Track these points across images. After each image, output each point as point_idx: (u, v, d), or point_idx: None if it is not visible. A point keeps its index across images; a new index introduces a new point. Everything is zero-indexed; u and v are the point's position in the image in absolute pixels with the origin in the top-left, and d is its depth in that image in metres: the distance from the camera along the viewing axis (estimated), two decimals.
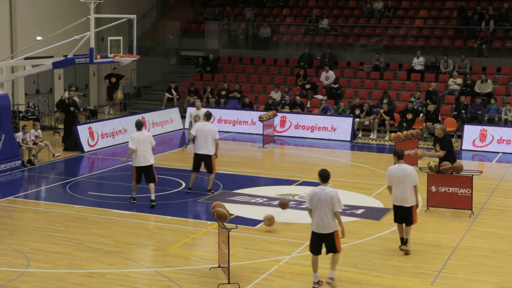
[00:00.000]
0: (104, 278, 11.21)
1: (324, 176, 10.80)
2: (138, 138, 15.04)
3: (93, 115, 26.27)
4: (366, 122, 25.22)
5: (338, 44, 30.92)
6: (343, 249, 12.67)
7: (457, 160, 15.97)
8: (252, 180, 17.55)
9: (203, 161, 16.30)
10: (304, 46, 30.73)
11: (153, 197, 15.34)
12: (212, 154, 16.22)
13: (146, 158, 15.13)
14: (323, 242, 10.85)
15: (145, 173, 15.28)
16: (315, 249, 10.87)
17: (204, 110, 19.07)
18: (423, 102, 25.62)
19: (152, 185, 15.31)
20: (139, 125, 15.32)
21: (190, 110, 19.61)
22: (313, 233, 10.86)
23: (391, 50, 29.99)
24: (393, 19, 31.13)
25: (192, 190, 16.53)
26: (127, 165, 19.65)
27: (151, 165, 15.27)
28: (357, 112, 25.24)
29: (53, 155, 20.29)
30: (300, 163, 20.91)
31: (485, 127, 23.19)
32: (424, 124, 24.29)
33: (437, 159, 15.89)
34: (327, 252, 10.95)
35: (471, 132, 23.16)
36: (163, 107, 27.44)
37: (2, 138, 18.47)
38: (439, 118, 24.67)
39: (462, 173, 15.73)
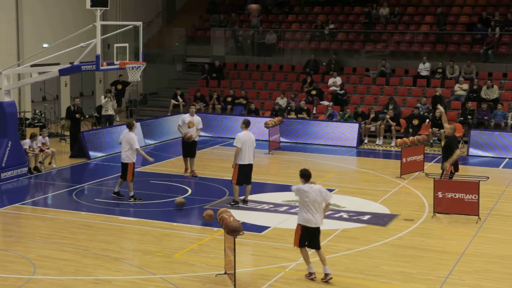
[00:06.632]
0: (110, 285, 11.22)
1: (308, 175, 11.46)
2: (123, 135, 16.47)
3: (99, 122, 26.30)
4: (372, 128, 25.19)
5: (344, 50, 30.95)
6: (350, 256, 12.72)
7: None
8: (258, 186, 17.52)
9: (249, 171, 15.88)
10: (310, 52, 30.76)
11: (116, 189, 16.67)
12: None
13: (124, 155, 16.38)
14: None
15: (124, 171, 16.48)
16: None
17: (197, 117, 19.11)
18: (429, 107, 25.60)
19: (120, 180, 16.59)
20: (128, 126, 16.60)
21: (183, 116, 19.43)
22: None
23: (397, 56, 30.00)
24: (399, 24, 31.14)
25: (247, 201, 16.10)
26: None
27: (126, 164, 16.31)
28: (359, 120, 25.15)
29: (49, 163, 20.23)
30: None
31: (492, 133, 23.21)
32: (430, 130, 24.26)
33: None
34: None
35: (477, 137, 23.17)
36: (169, 114, 27.48)
37: (9, 145, 18.52)
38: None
39: (468, 179, 15.73)
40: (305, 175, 11.51)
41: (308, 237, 11.40)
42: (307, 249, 11.51)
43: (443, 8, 31.31)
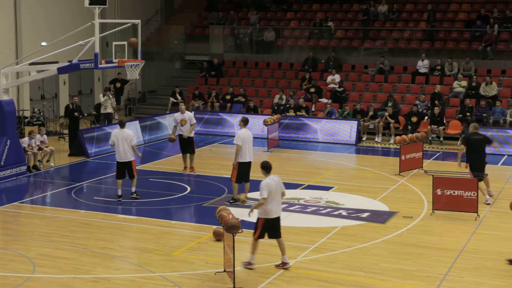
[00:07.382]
0: (109, 283, 11.22)
1: (269, 167, 11.94)
2: (117, 135, 16.36)
3: (98, 120, 26.31)
4: (371, 126, 25.19)
5: (342, 47, 30.93)
6: (349, 253, 12.73)
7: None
8: (256, 184, 17.44)
9: (249, 169, 15.92)
10: (309, 49, 30.75)
11: (133, 190, 16.41)
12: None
13: (125, 154, 16.23)
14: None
15: (126, 169, 16.34)
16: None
17: (188, 113, 19.16)
18: (428, 105, 25.60)
19: (132, 180, 16.43)
20: (121, 124, 16.64)
21: (175, 115, 19.50)
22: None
23: (395, 53, 30.00)
24: (397, 22, 31.13)
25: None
26: None
27: (130, 161, 16.25)
28: (358, 117, 25.14)
29: (47, 160, 20.23)
30: (305, 166, 20.90)
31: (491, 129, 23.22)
32: (429, 127, 24.26)
33: None
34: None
35: None
36: (168, 112, 27.46)
37: (8, 143, 18.51)
38: (444, 121, 24.66)
39: (467, 176, 15.72)
40: (267, 167, 12.02)
41: (269, 228, 11.70)
42: (264, 239, 11.83)
43: (442, 5, 31.32)
